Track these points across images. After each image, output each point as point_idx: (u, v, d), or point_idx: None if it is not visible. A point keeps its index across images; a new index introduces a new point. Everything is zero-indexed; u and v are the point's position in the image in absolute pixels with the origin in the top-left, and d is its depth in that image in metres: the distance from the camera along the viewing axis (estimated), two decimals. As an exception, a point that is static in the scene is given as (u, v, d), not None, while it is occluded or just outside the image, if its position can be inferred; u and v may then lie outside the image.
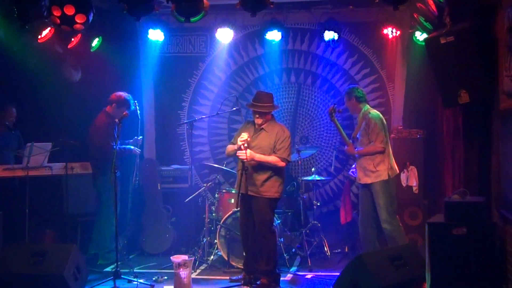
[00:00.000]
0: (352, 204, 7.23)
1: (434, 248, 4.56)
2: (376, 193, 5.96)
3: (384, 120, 6.07)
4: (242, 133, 5.53)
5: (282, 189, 5.66)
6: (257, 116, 5.63)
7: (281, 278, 5.75)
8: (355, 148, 6.12)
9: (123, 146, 6.54)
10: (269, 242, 5.55)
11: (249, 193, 5.53)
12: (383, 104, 7.59)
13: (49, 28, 6.22)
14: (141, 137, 6.83)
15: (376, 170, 5.95)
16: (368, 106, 6.18)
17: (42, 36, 6.26)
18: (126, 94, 6.58)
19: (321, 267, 6.35)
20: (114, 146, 5.76)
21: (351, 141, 6.23)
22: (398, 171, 6.13)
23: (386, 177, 5.92)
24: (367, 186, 6.03)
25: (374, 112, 6.08)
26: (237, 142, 5.53)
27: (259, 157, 5.49)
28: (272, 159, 5.52)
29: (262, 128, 5.65)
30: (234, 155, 5.61)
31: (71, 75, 7.13)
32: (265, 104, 5.58)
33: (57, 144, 6.47)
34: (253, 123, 5.71)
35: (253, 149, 5.53)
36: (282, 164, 5.54)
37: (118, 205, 5.96)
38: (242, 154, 5.40)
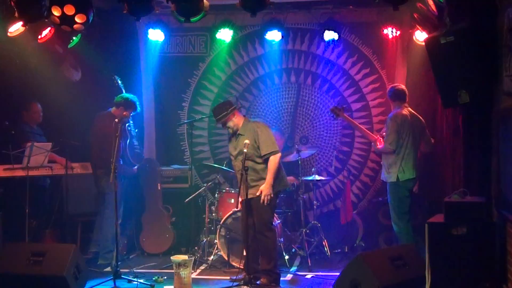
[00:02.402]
0: (352, 204, 7.23)
1: (434, 248, 4.57)
2: (388, 193, 6.07)
3: (409, 121, 6.01)
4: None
5: (277, 185, 5.63)
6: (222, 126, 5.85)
7: (281, 278, 5.75)
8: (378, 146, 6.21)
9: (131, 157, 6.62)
10: (269, 241, 5.56)
11: (248, 196, 5.56)
12: (383, 104, 7.58)
13: (49, 28, 6.21)
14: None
15: (388, 171, 6.02)
16: (403, 106, 6.11)
17: (42, 36, 6.25)
18: (132, 96, 6.61)
19: (321, 267, 6.35)
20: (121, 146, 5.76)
21: (377, 137, 6.29)
22: (412, 176, 5.98)
23: (395, 180, 5.95)
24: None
25: (396, 112, 6.07)
26: (231, 153, 5.77)
27: (268, 181, 5.49)
28: (270, 166, 5.50)
29: (239, 134, 5.69)
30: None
31: (71, 75, 7.12)
32: (216, 118, 5.70)
33: (57, 144, 6.47)
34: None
35: (238, 157, 5.60)
36: (276, 156, 5.53)
37: (121, 205, 5.98)
38: (265, 199, 5.47)
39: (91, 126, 6.61)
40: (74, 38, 6.55)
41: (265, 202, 5.46)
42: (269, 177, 5.51)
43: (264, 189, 5.48)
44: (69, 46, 6.61)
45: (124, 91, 6.66)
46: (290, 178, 6.87)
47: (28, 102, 6.72)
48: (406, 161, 5.96)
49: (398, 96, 6.17)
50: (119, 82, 6.67)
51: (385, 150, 6.05)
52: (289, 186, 5.96)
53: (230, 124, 5.70)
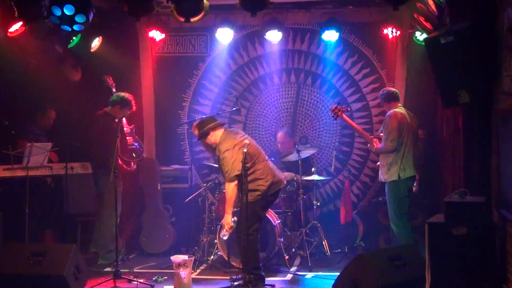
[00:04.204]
0: (352, 204, 7.23)
1: (434, 248, 4.57)
2: (386, 192, 6.06)
3: (407, 120, 6.03)
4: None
5: (258, 193, 5.51)
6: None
7: (281, 278, 5.79)
8: (376, 146, 6.20)
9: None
10: (242, 244, 5.42)
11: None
12: (383, 104, 7.58)
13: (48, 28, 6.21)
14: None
15: (388, 169, 6.01)
16: (398, 106, 6.14)
17: (42, 36, 6.25)
18: (128, 94, 6.59)
19: (321, 267, 6.35)
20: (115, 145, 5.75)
21: (372, 137, 6.28)
22: (413, 174, 6.01)
23: (396, 178, 5.94)
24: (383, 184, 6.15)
25: (394, 110, 6.06)
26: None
27: (225, 211, 5.49)
28: (226, 195, 5.48)
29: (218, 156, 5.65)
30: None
31: (71, 75, 7.13)
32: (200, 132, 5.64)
33: (57, 144, 6.48)
34: None
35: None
36: (229, 185, 5.44)
37: (119, 205, 5.97)
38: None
39: (89, 127, 6.60)
40: (74, 38, 6.57)
41: (226, 232, 5.47)
42: (226, 206, 5.47)
43: (223, 220, 5.50)
44: (69, 46, 6.62)
45: (114, 90, 6.61)
46: (291, 174, 6.87)
47: (47, 106, 6.83)
48: (407, 159, 5.97)
49: (393, 97, 6.18)
50: (109, 82, 6.63)
51: (387, 149, 6.02)
52: (282, 185, 5.82)
53: (208, 140, 5.62)
